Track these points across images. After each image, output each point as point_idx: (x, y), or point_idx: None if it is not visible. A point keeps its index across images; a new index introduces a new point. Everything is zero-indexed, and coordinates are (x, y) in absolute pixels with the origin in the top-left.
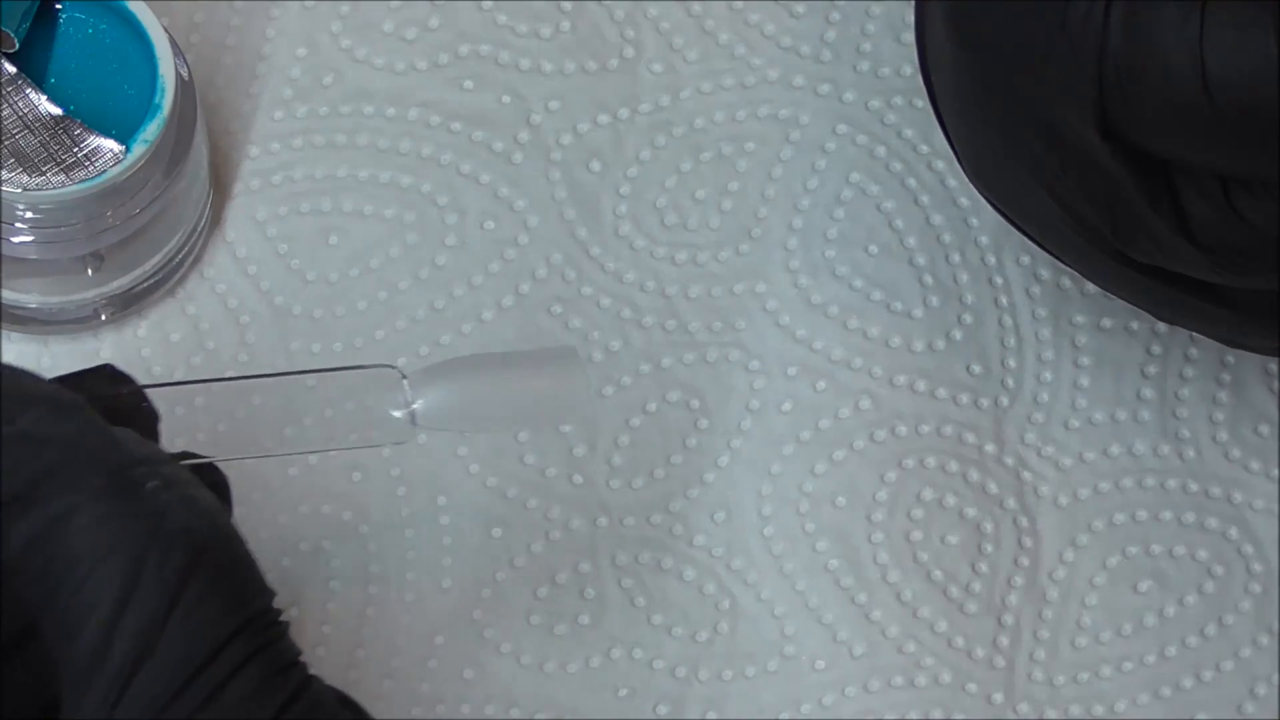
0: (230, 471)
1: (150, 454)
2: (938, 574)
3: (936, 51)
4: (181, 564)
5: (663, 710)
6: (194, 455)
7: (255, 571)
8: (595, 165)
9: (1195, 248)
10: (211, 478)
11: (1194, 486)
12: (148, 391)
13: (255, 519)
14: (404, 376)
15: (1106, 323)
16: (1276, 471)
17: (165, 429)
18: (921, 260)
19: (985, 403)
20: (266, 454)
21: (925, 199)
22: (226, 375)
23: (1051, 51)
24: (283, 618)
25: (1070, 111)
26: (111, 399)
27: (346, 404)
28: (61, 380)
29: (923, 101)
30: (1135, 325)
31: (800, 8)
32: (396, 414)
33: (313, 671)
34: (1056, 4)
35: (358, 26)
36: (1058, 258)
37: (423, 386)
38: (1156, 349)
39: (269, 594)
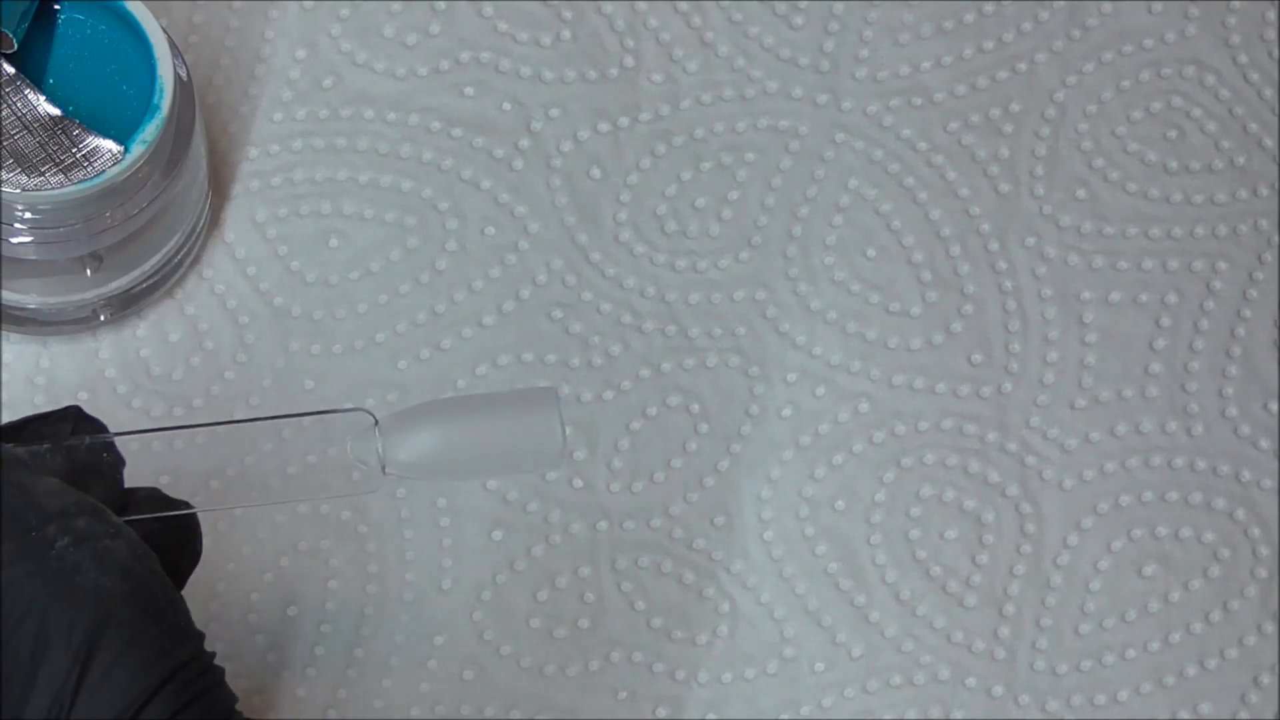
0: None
1: (66, 506)
2: (936, 570)
3: None
4: (90, 626)
5: (662, 713)
6: (165, 500)
7: (179, 617)
8: (595, 172)
9: None
10: (180, 520)
11: (1201, 464)
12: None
13: (253, 519)
14: (376, 421)
15: (1115, 296)
16: None
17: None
18: (920, 257)
19: (987, 391)
20: (228, 505)
21: (924, 195)
22: (197, 422)
23: None
24: (217, 661)
25: None
26: (74, 449)
27: (314, 452)
28: (30, 421)
29: (921, 99)
30: (1144, 297)
31: (799, 19)
32: (367, 462)
33: (311, 672)
34: None
35: (358, 30)
36: None
37: (395, 432)
38: (1166, 321)
39: (196, 638)
